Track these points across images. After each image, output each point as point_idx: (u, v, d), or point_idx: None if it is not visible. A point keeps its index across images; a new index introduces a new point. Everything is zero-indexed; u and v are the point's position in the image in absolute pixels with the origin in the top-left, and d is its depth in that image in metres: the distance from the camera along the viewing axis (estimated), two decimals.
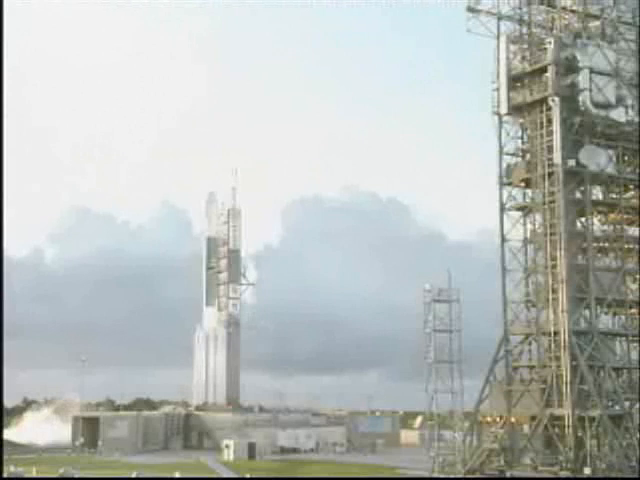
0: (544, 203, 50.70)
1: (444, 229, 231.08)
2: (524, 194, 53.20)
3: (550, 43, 51.07)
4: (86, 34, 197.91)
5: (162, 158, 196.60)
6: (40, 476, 55.23)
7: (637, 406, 49.80)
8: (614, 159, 52.34)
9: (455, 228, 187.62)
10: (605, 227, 53.51)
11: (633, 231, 53.80)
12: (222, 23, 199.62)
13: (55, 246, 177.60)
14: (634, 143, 52.49)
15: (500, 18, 53.19)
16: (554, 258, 49.89)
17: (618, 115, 51.29)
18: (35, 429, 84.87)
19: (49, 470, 56.35)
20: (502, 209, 52.80)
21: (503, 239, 52.33)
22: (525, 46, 53.22)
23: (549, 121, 50.81)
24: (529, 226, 52.53)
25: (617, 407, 49.01)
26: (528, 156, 52.69)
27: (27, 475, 54.42)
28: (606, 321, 52.07)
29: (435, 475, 52.32)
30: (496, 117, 53.14)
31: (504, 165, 53.29)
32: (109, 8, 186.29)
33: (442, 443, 56.03)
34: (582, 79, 50.33)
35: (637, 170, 53.60)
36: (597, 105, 50.58)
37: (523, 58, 52.96)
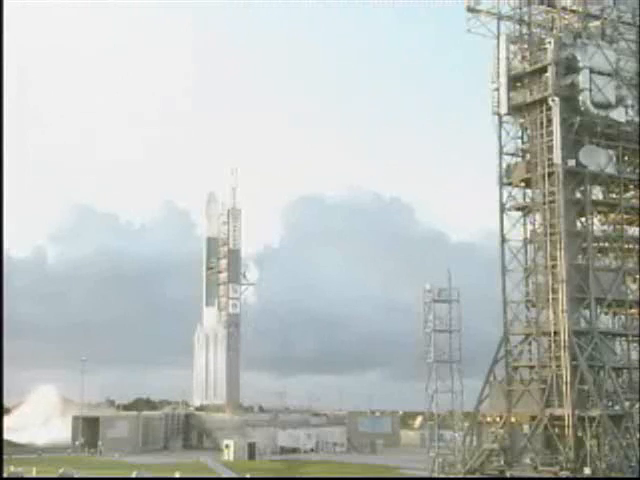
0: (544, 203, 50.67)
1: (446, 229, 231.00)
2: (524, 194, 53.17)
3: (550, 43, 50.99)
4: (88, 34, 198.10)
5: (165, 158, 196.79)
6: (40, 476, 55.25)
7: (637, 406, 49.77)
8: (614, 159, 52.30)
9: (457, 228, 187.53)
10: (605, 227, 53.48)
11: (633, 231, 53.77)
12: (223, 22, 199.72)
13: (57, 245, 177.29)
14: (634, 143, 52.45)
15: (500, 18, 53.06)
16: (554, 258, 49.87)
17: (618, 115, 51.24)
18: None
19: (49, 470, 56.35)
20: (502, 209, 52.76)
21: (503, 239, 52.30)
22: (525, 46, 53.11)
23: (549, 121, 50.76)
24: (529, 226, 52.54)
25: (617, 407, 48.99)
26: (528, 156, 52.64)
27: (27, 475, 54.43)
28: (606, 321, 52.05)
29: (435, 475, 52.32)
30: (496, 117, 53.10)
31: (504, 165, 53.28)
32: (109, 8, 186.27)
33: (442, 443, 56.04)
34: (582, 79, 50.29)
35: (637, 170, 53.60)
36: (597, 105, 50.55)
37: (523, 58, 52.90)
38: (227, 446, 74.72)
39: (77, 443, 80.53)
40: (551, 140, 50.48)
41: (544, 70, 51.25)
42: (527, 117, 52.52)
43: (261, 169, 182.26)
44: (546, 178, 50.59)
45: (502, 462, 49.83)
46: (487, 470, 50.30)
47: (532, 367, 50.90)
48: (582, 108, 50.19)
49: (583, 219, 51.80)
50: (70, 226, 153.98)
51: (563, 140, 50.17)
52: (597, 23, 53.05)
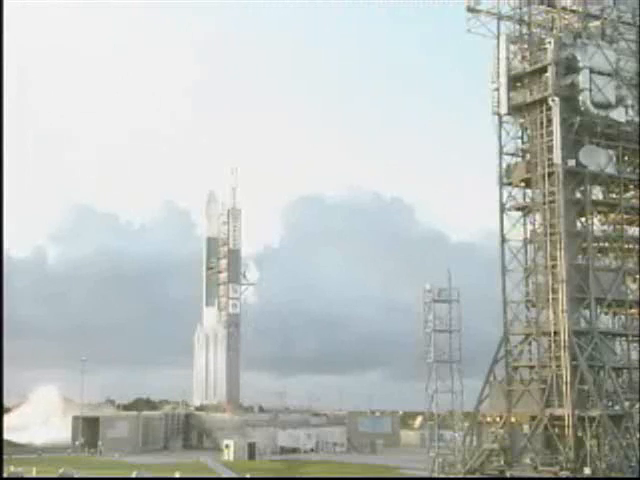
0: (544, 203, 50.66)
1: (446, 229, 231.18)
2: (524, 194, 53.16)
3: (550, 43, 50.98)
4: (88, 34, 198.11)
5: (165, 158, 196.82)
6: (40, 476, 55.23)
7: (637, 406, 49.77)
8: (614, 159, 52.28)
9: (457, 228, 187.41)
10: (605, 227, 53.47)
11: (633, 231, 53.75)
12: (223, 22, 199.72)
13: (57, 245, 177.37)
14: (634, 143, 52.43)
15: (500, 18, 53.04)
16: (554, 258, 49.86)
17: (618, 115, 51.22)
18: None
19: (49, 470, 56.33)
20: (502, 209, 52.74)
21: (503, 239, 52.29)
22: (525, 46, 53.10)
23: (549, 121, 50.74)
24: (529, 226, 52.52)
25: (617, 407, 48.99)
26: (528, 156, 52.63)
27: (27, 475, 54.41)
28: (606, 321, 52.03)
29: (435, 475, 52.32)
30: (496, 117, 53.09)
31: (504, 165, 53.26)
32: (109, 8, 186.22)
33: (442, 443, 56.03)
34: (582, 79, 50.28)
35: (637, 170, 53.59)
36: (597, 105, 50.53)
37: (523, 58, 52.88)
38: (227, 446, 74.70)
39: (77, 443, 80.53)
40: (551, 140, 50.46)
41: (544, 70, 51.23)
42: (527, 117, 52.50)
43: (261, 169, 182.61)
44: (546, 178, 50.57)
45: (502, 462, 49.82)
46: (487, 470, 50.28)
47: (532, 367, 50.87)
48: (582, 108, 50.16)
49: (583, 219, 51.78)
50: (70, 226, 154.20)
51: (563, 140, 50.15)
52: (597, 23, 53.02)
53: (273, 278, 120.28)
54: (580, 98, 50.11)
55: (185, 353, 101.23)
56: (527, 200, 52.78)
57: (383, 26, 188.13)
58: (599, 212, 53.02)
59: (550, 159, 50.47)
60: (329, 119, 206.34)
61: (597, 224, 53.03)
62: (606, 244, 52.99)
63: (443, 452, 54.10)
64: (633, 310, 52.26)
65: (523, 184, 52.84)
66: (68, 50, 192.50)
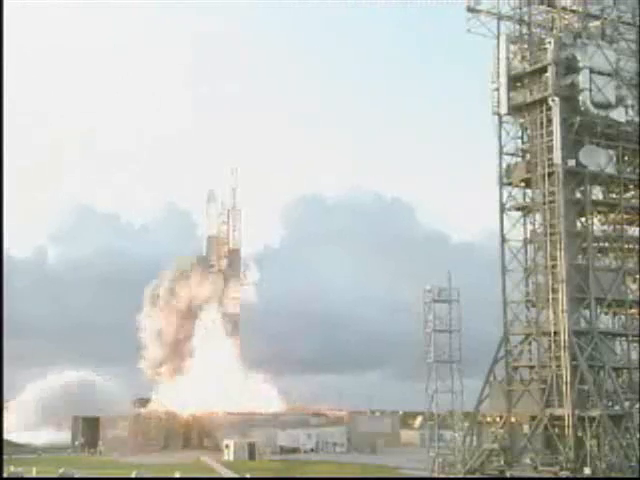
0: (544, 203, 50.67)
1: (447, 229, 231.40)
2: (524, 194, 53.18)
3: (550, 43, 51.00)
4: (88, 34, 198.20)
5: (165, 158, 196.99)
6: (40, 476, 55.23)
7: (637, 406, 49.78)
8: (614, 159, 52.30)
9: (458, 228, 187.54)
10: (605, 227, 53.48)
11: (633, 231, 53.78)
12: (223, 22, 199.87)
13: (58, 246, 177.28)
14: (634, 143, 52.44)
15: (500, 18, 53.06)
16: (554, 258, 49.87)
17: (618, 115, 51.22)
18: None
19: (49, 470, 56.32)
20: (502, 209, 52.77)
21: (503, 239, 52.31)
22: (525, 46, 53.12)
23: (549, 121, 50.76)
24: (529, 226, 52.53)
25: (617, 407, 48.99)
26: (528, 156, 52.66)
27: (27, 475, 54.41)
28: (606, 321, 52.05)
29: (435, 475, 52.32)
30: (496, 117, 53.11)
31: (504, 165, 53.27)
32: (109, 8, 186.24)
33: (442, 443, 56.00)
34: (582, 79, 50.28)
35: (637, 170, 53.58)
36: (597, 105, 50.53)
37: (523, 58, 52.90)
38: (227, 446, 74.63)
39: (77, 443, 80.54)
40: (551, 140, 50.47)
41: (544, 70, 51.24)
42: (527, 117, 52.51)
43: (261, 169, 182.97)
44: (546, 178, 50.58)
45: (502, 462, 49.82)
46: (487, 470, 50.29)
47: (532, 367, 50.88)
48: (582, 108, 50.17)
49: (583, 219, 51.78)
50: (70, 226, 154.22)
51: (563, 140, 50.16)
52: (597, 23, 53.02)
53: (273, 278, 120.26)
54: (580, 98, 50.11)
55: None
56: (527, 200, 52.79)
57: (383, 26, 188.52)
58: (599, 212, 53.03)
59: (550, 159, 50.47)
60: (329, 119, 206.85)
61: (597, 224, 53.04)
62: (606, 244, 53.00)
63: (443, 452, 54.08)
64: (633, 310, 52.27)
65: (523, 184, 52.85)
66: (68, 50, 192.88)
